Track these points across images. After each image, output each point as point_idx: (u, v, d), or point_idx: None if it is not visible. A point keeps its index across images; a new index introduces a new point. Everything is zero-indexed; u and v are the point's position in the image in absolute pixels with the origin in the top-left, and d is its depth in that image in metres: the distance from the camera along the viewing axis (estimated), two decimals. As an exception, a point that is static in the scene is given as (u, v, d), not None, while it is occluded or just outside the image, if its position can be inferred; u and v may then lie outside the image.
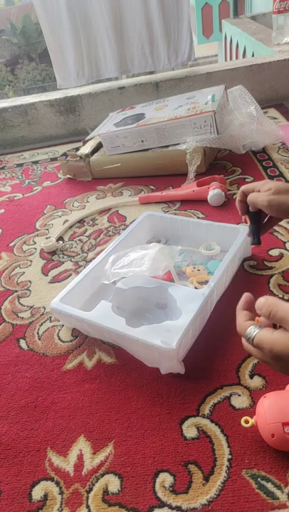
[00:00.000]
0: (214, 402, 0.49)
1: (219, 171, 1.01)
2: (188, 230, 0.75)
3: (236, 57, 2.49)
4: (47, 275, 0.78)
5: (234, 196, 0.90)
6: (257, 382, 0.50)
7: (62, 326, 0.65)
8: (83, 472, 0.45)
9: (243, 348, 0.40)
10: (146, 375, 0.54)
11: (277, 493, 0.40)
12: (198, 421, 0.48)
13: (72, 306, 0.61)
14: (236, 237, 0.67)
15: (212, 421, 0.47)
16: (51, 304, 0.62)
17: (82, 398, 0.53)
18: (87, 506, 0.42)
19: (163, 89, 1.45)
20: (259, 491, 0.40)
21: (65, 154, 1.34)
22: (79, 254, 0.83)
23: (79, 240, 0.88)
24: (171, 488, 0.42)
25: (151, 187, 1.03)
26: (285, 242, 0.73)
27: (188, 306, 0.55)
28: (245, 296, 0.42)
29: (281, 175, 0.94)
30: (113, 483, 0.44)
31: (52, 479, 0.45)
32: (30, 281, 0.77)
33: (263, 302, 0.38)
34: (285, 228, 0.77)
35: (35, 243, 0.90)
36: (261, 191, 0.57)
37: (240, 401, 0.49)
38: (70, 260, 0.81)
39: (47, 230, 0.94)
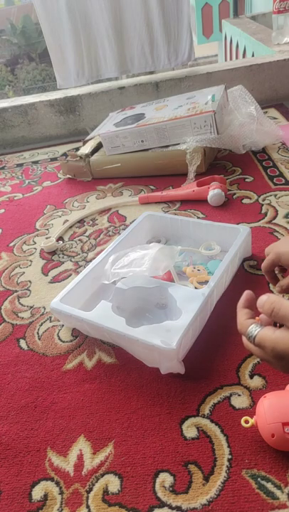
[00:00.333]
0: (214, 402, 0.49)
1: (219, 171, 1.01)
2: (188, 230, 0.75)
3: (236, 57, 2.49)
4: (47, 275, 0.78)
5: (234, 196, 0.90)
6: (257, 382, 0.50)
7: (62, 326, 0.65)
8: (83, 472, 0.45)
9: (244, 346, 0.40)
10: (146, 375, 0.54)
11: (277, 493, 0.40)
12: (198, 421, 0.48)
13: (72, 306, 0.61)
14: (236, 237, 0.67)
15: (212, 421, 0.47)
16: (51, 304, 0.62)
17: (82, 398, 0.53)
18: (87, 506, 0.42)
19: (163, 89, 1.45)
20: (259, 491, 0.40)
21: (65, 154, 1.34)
22: (79, 254, 0.83)
23: (79, 239, 0.88)
24: (171, 488, 0.42)
25: (151, 187, 1.03)
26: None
27: (188, 306, 0.55)
28: (246, 293, 0.42)
29: (281, 175, 0.94)
30: (113, 483, 0.44)
31: (52, 479, 0.45)
32: (30, 281, 0.77)
33: (265, 300, 0.37)
34: (285, 228, 0.77)
35: (35, 243, 0.90)
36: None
37: (240, 401, 0.49)
38: (70, 260, 0.81)
39: (47, 230, 0.94)
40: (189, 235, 0.75)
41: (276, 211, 0.82)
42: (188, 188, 0.93)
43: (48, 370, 0.58)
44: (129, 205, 0.97)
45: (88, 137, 1.17)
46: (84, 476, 0.45)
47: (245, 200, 0.88)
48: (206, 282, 0.62)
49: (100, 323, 0.56)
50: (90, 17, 1.38)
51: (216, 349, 0.56)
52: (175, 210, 0.90)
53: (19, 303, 0.73)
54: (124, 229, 0.87)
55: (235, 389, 0.50)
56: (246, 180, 0.96)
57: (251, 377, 0.51)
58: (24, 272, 0.81)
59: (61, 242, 0.88)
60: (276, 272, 0.51)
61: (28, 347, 0.63)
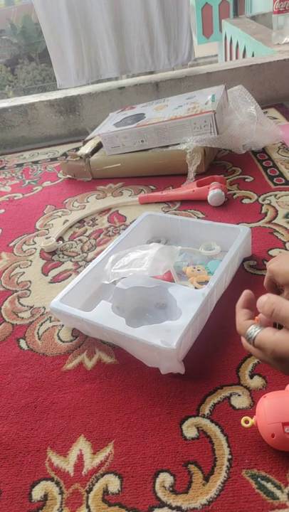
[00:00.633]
0: (214, 402, 0.49)
1: (219, 171, 1.01)
2: (188, 230, 0.75)
3: (236, 57, 2.49)
4: (47, 275, 0.78)
5: (234, 196, 0.90)
6: (257, 382, 0.50)
7: (62, 326, 0.65)
8: (83, 472, 0.45)
9: (243, 347, 0.40)
10: (146, 375, 0.54)
11: (277, 493, 0.40)
12: (198, 421, 0.48)
13: (72, 306, 0.61)
14: (236, 237, 0.67)
15: (212, 421, 0.47)
16: (51, 304, 0.62)
17: (82, 398, 0.53)
18: (87, 506, 0.42)
19: (163, 89, 1.45)
20: (259, 491, 0.40)
21: (65, 154, 1.34)
22: (79, 254, 0.83)
23: (79, 239, 0.88)
24: (171, 488, 0.42)
25: (151, 187, 1.03)
26: (285, 242, 0.73)
27: (188, 306, 0.55)
28: (246, 293, 0.41)
29: (281, 175, 0.94)
30: (113, 483, 0.44)
31: (52, 479, 0.45)
32: (30, 281, 0.77)
33: (265, 300, 0.37)
34: (285, 228, 0.77)
35: (35, 243, 0.90)
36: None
37: (240, 401, 0.49)
38: (70, 260, 0.81)
39: (47, 230, 0.94)
40: (189, 235, 0.75)
41: (276, 211, 0.82)
42: (188, 188, 0.93)
43: (48, 370, 0.58)
44: (129, 205, 0.97)
45: (88, 137, 1.17)
46: (84, 476, 0.45)
47: (245, 200, 0.88)
48: (206, 282, 0.62)
49: (100, 323, 0.56)
50: (90, 17, 1.39)
51: (216, 349, 0.56)
52: (175, 210, 0.90)
53: (19, 303, 0.73)
54: (124, 229, 0.87)
55: (235, 389, 0.50)
56: (246, 180, 0.96)
57: (251, 377, 0.51)
58: (24, 272, 0.81)
59: (61, 242, 0.88)
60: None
61: (28, 347, 0.63)
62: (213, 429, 0.46)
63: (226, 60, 2.97)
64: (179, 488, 0.42)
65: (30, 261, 0.84)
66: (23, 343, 0.64)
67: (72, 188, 1.11)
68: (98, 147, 1.15)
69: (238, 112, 1.06)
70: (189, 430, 0.47)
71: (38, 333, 0.65)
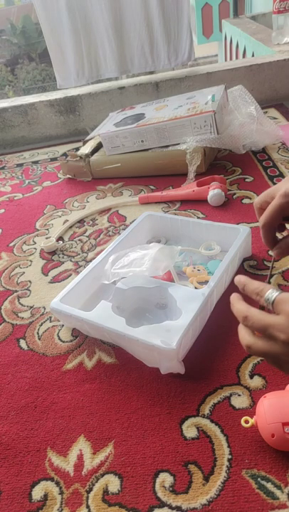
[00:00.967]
0: (214, 402, 0.49)
1: (219, 171, 1.01)
2: (188, 230, 0.75)
3: (236, 57, 2.49)
4: (47, 275, 0.78)
5: (234, 196, 0.90)
6: (257, 382, 0.50)
7: (62, 326, 0.65)
8: (83, 472, 0.45)
9: (241, 340, 0.36)
10: (146, 375, 0.54)
11: (277, 493, 0.40)
12: (198, 421, 0.48)
13: (72, 306, 0.61)
14: (236, 237, 0.67)
15: (212, 421, 0.47)
16: (51, 304, 0.62)
17: (82, 398, 0.53)
18: (87, 506, 0.42)
19: (163, 89, 1.45)
20: (259, 491, 0.40)
21: (65, 154, 1.34)
22: (79, 254, 0.83)
23: (79, 239, 0.88)
24: (171, 488, 0.42)
25: (151, 187, 1.03)
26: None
27: (188, 306, 0.55)
28: (234, 295, 0.38)
29: (281, 175, 0.94)
30: (113, 483, 0.44)
31: (52, 479, 0.45)
32: (30, 281, 0.77)
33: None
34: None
35: (35, 243, 0.90)
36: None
37: (240, 401, 0.49)
38: (70, 260, 0.81)
39: (47, 230, 0.94)
40: (189, 235, 0.75)
41: (276, 211, 0.82)
42: (188, 188, 0.93)
43: (48, 370, 0.58)
44: (129, 205, 0.97)
45: (88, 137, 1.17)
46: (84, 476, 0.45)
47: (245, 200, 0.88)
48: (206, 282, 0.62)
49: (100, 323, 0.56)
50: (90, 17, 1.39)
51: (216, 349, 0.56)
52: (175, 210, 0.90)
53: (19, 303, 0.73)
54: (124, 229, 0.87)
55: (235, 389, 0.50)
56: (246, 180, 0.96)
57: (251, 377, 0.51)
58: (24, 272, 0.81)
59: (61, 242, 0.88)
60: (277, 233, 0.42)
61: (28, 347, 0.63)
62: (213, 429, 0.46)
63: (225, 60, 2.97)
64: (179, 488, 0.42)
65: (30, 261, 0.84)
66: (23, 343, 0.64)
67: (72, 188, 1.11)
68: (98, 147, 1.15)
69: (238, 112, 1.06)
70: (189, 430, 0.47)
71: (38, 333, 0.65)
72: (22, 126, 1.52)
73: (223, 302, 0.62)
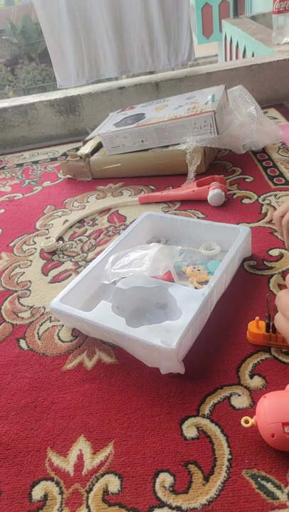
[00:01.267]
0: (214, 402, 0.49)
1: (219, 171, 1.01)
2: (188, 230, 0.75)
3: (236, 57, 2.49)
4: (47, 275, 0.78)
5: (234, 196, 0.90)
6: (257, 382, 0.50)
7: (62, 326, 0.65)
8: (83, 472, 0.45)
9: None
10: (146, 375, 0.54)
11: (277, 493, 0.40)
12: (198, 421, 0.48)
13: (72, 306, 0.61)
14: (236, 237, 0.67)
15: (212, 421, 0.47)
16: (51, 304, 0.62)
17: (82, 398, 0.53)
18: (87, 506, 0.42)
19: (163, 89, 1.45)
20: (259, 491, 0.40)
21: (65, 154, 1.34)
22: (79, 254, 0.83)
23: (79, 239, 0.88)
24: (171, 488, 0.42)
25: (151, 187, 1.03)
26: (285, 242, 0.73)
27: (188, 306, 0.55)
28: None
29: (281, 175, 0.94)
30: (113, 483, 0.44)
31: (52, 479, 0.45)
32: (30, 281, 0.77)
33: None
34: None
35: (35, 243, 0.90)
36: None
37: (240, 401, 0.49)
38: (70, 260, 0.81)
39: (47, 230, 0.94)
40: (189, 235, 0.75)
41: (276, 211, 0.82)
42: (188, 188, 0.93)
43: (48, 370, 0.58)
44: (129, 205, 0.97)
45: (88, 137, 1.17)
46: (84, 476, 0.45)
47: (245, 200, 0.88)
48: (206, 282, 0.62)
49: (100, 323, 0.56)
50: (90, 17, 1.39)
51: (216, 349, 0.56)
52: (175, 210, 0.90)
53: (19, 303, 0.73)
54: (124, 229, 0.87)
55: (235, 389, 0.50)
56: (246, 180, 0.96)
57: (251, 377, 0.51)
58: (24, 272, 0.81)
59: (61, 242, 0.88)
60: None
61: (28, 347, 0.63)
62: (213, 429, 0.46)
63: (226, 60, 2.97)
64: (179, 488, 0.42)
65: (30, 261, 0.84)
66: (23, 343, 0.64)
67: (72, 188, 1.11)
68: (98, 147, 1.15)
69: (238, 112, 1.06)
70: (189, 430, 0.47)
71: (38, 333, 0.65)
72: (22, 126, 1.52)
73: (223, 302, 0.62)
